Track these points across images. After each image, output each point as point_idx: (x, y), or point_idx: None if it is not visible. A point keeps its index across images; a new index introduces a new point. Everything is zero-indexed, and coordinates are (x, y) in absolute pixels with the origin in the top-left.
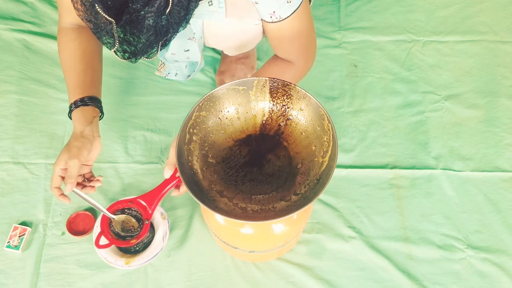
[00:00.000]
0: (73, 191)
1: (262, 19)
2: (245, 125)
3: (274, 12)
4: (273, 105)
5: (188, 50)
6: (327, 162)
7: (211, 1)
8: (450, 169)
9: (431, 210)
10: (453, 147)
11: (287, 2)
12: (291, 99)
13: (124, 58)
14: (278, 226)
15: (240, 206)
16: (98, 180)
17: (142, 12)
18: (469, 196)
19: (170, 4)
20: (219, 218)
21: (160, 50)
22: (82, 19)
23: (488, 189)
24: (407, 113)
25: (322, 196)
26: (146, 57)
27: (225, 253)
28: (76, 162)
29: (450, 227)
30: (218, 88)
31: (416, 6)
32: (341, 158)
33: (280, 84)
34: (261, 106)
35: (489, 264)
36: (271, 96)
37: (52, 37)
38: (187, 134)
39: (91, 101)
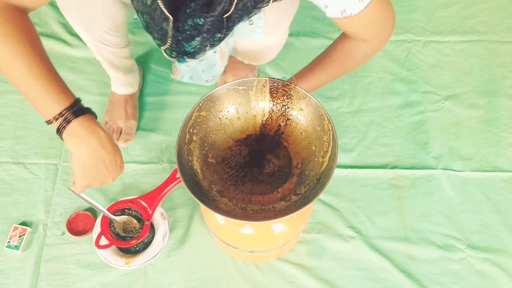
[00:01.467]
0: (73, 191)
1: (332, 18)
2: (245, 125)
3: (344, 10)
4: (273, 105)
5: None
6: (327, 162)
7: (252, 20)
8: (450, 169)
9: (431, 210)
10: (453, 147)
11: (359, 1)
12: (291, 99)
13: (172, 57)
14: (278, 226)
15: (240, 206)
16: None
17: (202, 18)
18: (469, 196)
19: (233, 8)
20: (219, 218)
21: (208, 50)
22: (136, 10)
23: (488, 189)
24: (407, 113)
25: (322, 196)
26: (193, 58)
27: (225, 253)
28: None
29: (450, 227)
30: (218, 88)
31: (416, 6)
32: (341, 158)
33: (280, 84)
34: (261, 106)
35: (489, 264)
36: (271, 96)
37: (53, 37)
38: (187, 134)
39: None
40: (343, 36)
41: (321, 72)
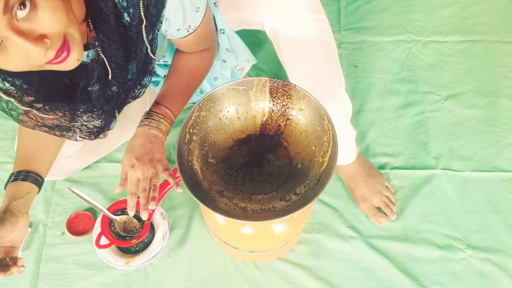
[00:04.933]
0: (72, 191)
1: (178, 38)
2: (245, 125)
3: (189, 26)
4: (273, 105)
5: (225, 61)
6: (327, 162)
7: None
8: (450, 169)
9: (431, 210)
10: (453, 147)
11: (196, 12)
12: (291, 99)
13: (92, 139)
14: (278, 226)
15: (240, 206)
16: (18, 266)
17: (89, 88)
18: (469, 196)
19: (110, 70)
20: (219, 218)
21: (118, 114)
22: (33, 129)
23: (488, 189)
24: (407, 113)
25: (322, 196)
26: (108, 129)
27: (225, 253)
28: None
29: (450, 227)
30: (218, 88)
31: (416, 6)
32: None
33: (280, 84)
34: (261, 106)
35: (489, 264)
36: (271, 96)
37: None
38: (187, 134)
39: (29, 177)
40: (186, 54)
41: (185, 95)
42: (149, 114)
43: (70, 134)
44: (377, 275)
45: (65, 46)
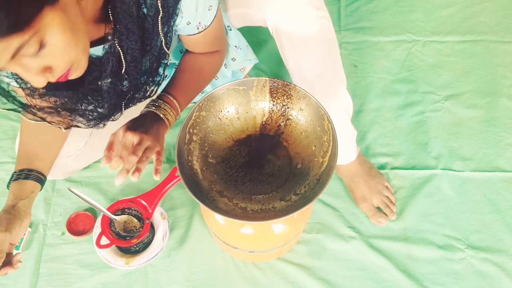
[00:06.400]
0: (72, 191)
1: (186, 35)
2: (245, 125)
3: (200, 23)
4: (273, 105)
5: (235, 59)
6: (327, 162)
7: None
8: (450, 169)
9: (431, 210)
10: (453, 147)
11: (209, 10)
12: (291, 99)
13: (90, 127)
14: (278, 226)
15: (240, 206)
16: (13, 267)
17: (101, 81)
18: (469, 196)
19: (124, 63)
20: (219, 218)
21: (125, 109)
22: (36, 116)
23: (488, 189)
24: (407, 113)
25: (322, 196)
26: (112, 120)
27: (225, 253)
28: (7, 236)
29: (450, 227)
30: (218, 88)
31: (416, 6)
32: None
33: (280, 84)
34: (261, 106)
35: (489, 264)
36: (271, 96)
37: None
38: (187, 134)
39: (32, 175)
40: (196, 54)
41: (193, 91)
42: (156, 102)
43: (71, 117)
44: (377, 275)
45: (67, 72)
